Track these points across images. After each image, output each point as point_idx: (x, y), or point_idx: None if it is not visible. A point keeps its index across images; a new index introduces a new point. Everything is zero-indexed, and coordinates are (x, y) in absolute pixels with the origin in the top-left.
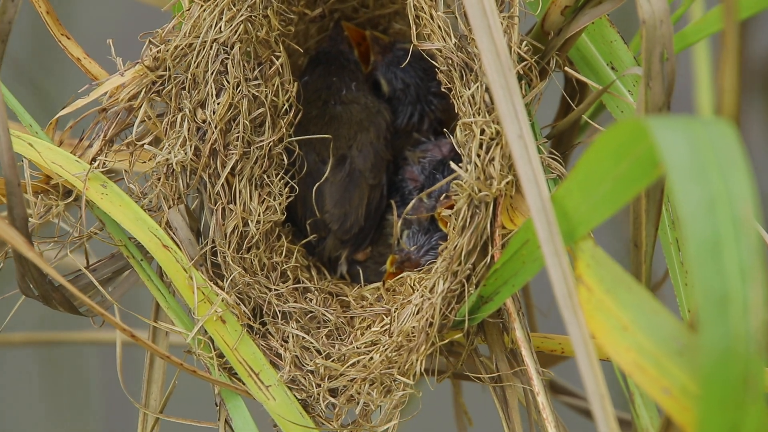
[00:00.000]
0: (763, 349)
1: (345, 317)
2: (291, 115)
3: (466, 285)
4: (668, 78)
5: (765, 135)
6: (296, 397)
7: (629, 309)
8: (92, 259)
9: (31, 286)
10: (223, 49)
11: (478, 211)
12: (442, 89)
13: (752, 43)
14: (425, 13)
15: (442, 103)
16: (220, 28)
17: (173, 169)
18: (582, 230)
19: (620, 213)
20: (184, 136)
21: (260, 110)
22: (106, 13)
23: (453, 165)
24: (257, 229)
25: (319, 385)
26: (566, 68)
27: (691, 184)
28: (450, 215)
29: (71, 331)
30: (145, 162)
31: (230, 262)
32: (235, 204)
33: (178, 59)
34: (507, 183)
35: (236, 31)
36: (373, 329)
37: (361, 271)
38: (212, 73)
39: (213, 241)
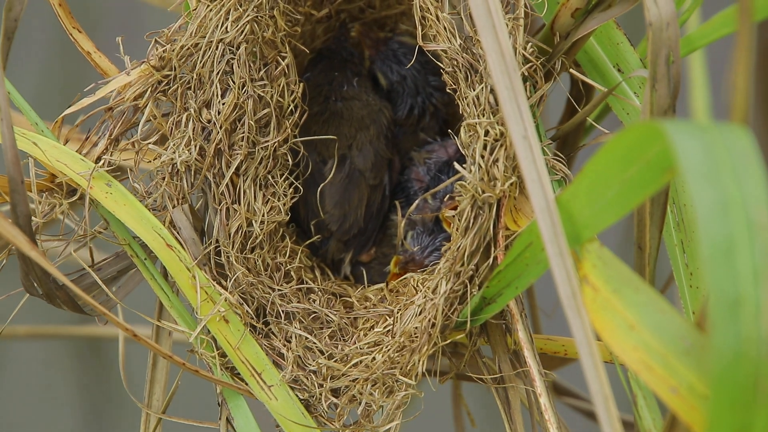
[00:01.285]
0: None
1: (348, 318)
2: (296, 115)
3: (468, 286)
4: (674, 81)
5: None
6: (298, 397)
7: (636, 308)
8: (97, 258)
9: (35, 284)
10: (229, 50)
11: (481, 212)
12: (447, 90)
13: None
14: (431, 14)
15: (443, 97)
16: (227, 28)
17: (178, 169)
18: (587, 234)
19: (625, 215)
20: (189, 136)
21: (265, 111)
22: (125, 13)
23: (457, 166)
24: (261, 230)
25: (321, 385)
26: (572, 70)
27: (705, 186)
28: (454, 216)
29: (75, 326)
30: (150, 161)
31: (234, 262)
32: (240, 204)
33: (183, 59)
34: (511, 184)
35: (242, 32)
36: (376, 330)
37: (365, 272)
38: (218, 73)
39: (217, 241)
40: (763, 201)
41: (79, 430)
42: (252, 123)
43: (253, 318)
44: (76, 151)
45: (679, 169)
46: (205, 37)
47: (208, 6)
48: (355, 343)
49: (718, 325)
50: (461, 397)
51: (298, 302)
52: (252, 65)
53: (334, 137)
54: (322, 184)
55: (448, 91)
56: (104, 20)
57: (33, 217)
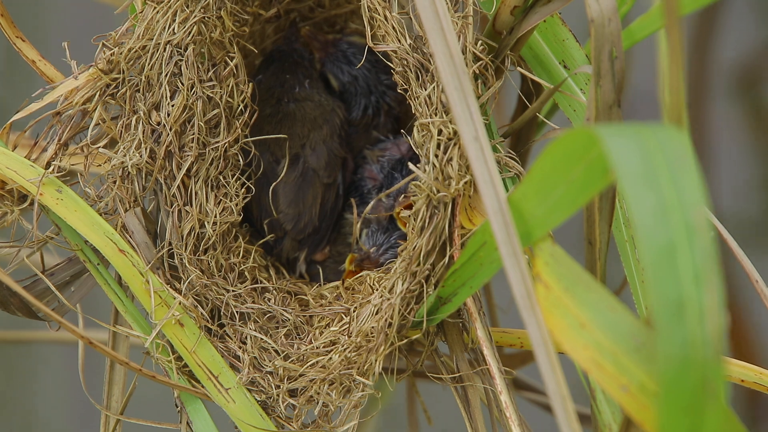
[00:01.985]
0: (721, 352)
1: (304, 316)
2: (246, 115)
3: (425, 285)
4: (618, 76)
5: (732, 139)
6: (256, 399)
7: (587, 307)
8: (50, 262)
9: None
10: (177, 51)
11: (436, 211)
12: (399, 90)
13: (719, 47)
14: (379, 14)
15: (397, 95)
16: (174, 29)
17: (129, 172)
18: (539, 232)
19: (576, 212)
20: (139, 139)
21: (215, 111)
22: (76, 15)
23: (411, 166)
24: (214, 231)
25: (278, 387)
26: (519, 68)
27: (642, 190)
28: (409, 216)
29: (32, 330)
30: (100, 165)
31: (187, 264)
32: (192, 206)
33: (131, 62)
34: (465, 183)
35: (190, 33)
36: (332, 328)
37: (320, 270)
38: (166, 75)
39: (169, 244)
40: (700, 202)
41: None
42: (202, 124)
43: (207, 320)
44: (25, 157)
45: (615, 173)
46: (152, 39)
47: (155, 8)
48: (312, 342)
49: (664, 330)
50: (416, 394)
51: (253, 302)
52: (200, 66)
53: (286, 136)
54: (275, 183)
55: (399, 91)
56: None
57: None
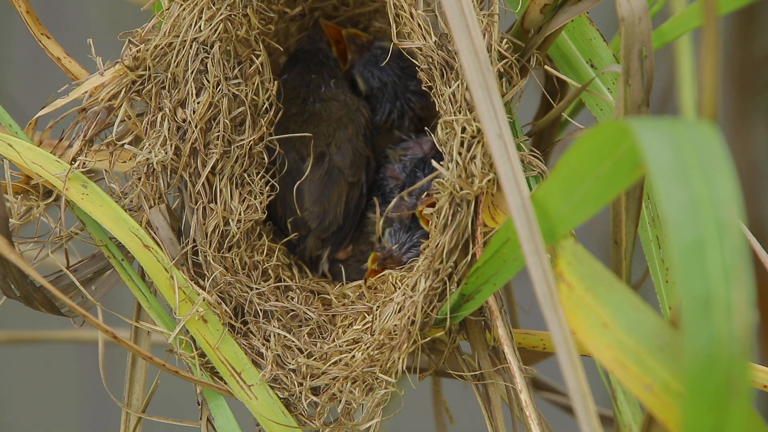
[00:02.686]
0: (747, 350)
1: (327, 315)
2: (271, 113)
3: (447, 283)
4: (647, 75)
5: None
6: (278, 396)
7: (610, 306)
8: (75, 259)
9: (13, 287)
10: (203, 48)
11: (459, 209)
12: (423, 87)
13: (754, 42)
14: (405, 11)
15: (421, 101)
16: (200, 27)
17: (153, 169)
18: (563, 230)
19: (602, 210)
20: (164, 136)
21: (240, 109)
22: (102, 13)
23: (435, 163)
24: (238, 228)
25: (301, 384)
26: (546, 66)
27: (674, 186)
28: (431, 213)
29: (53, 330)
30: (125, 162)
31: (211, 261)
32: (216, 203)
33: (157, 59)
34: (488, 181)
35: (216, 30)
36: (354, 327)
37: (343, 269)
38: (192, 72)
39: (194, 241)
40: (731, 199)
41: (68, 429)
42: (227, 122)
43: (231, 317)
44: (51, 153)
45: (646, 167)
46: (178, 36)
47: (181, 5)
48: (334, 340)
49: (691, 326)
50: (440, 394)
51: (276, 300)
52: (226, 64)
53: (310, 134)
54: (300, 181)
55: (423, 89)
56: (82, 23)
57: (10, 219)
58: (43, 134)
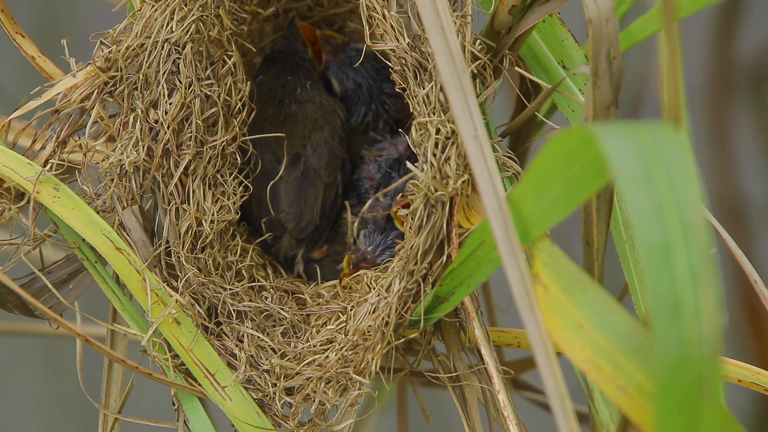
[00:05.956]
0: (717, 351)
1: (301, 315)
2: (244, 114)
3: (422, 284)
4: (615, 76)
5: (753, 136)
6: (252, 397)
7: (584, 307)
8: (49, 259)
9: None
10: (175, 49)
11: (434, 210)
12: (396, 89)
13: (739, 42)
14: (378, 13)
15: (396, 103)
16: (172, 27)
17: (126, 170)
18: (537, 231)
19: (577, 211)
20: (137, 137)
21: (213, 110)
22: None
23: (409, 165)
24: (211, 229)
25: (275, 385)
26: (517, 68)
27: (639, 190)
28: (406, 215)
29: (37, 323)
30: (98, 163)
31: (184, 262)
32: (189, 204)
33: (129, 60)
34: (463, 182)
35: (188, 31)
36: (328, 327)
37: (318, 270)
38: (164, 73)
39: (167, 242)
40: (697, 200)
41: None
42: (199, 122)
43: (204, 318)
44: (24, 155)
45: (611, 172)
46: (150, 37)
47: (153, 6)
48: (308, 340)
49: (661, 329)
50: (407, 395)
51: (250, 300)
52: (198, 64)
53: (284, 135)
54: (274, 181)
55: (397, 90)
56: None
57: None
58: (15, 136)
